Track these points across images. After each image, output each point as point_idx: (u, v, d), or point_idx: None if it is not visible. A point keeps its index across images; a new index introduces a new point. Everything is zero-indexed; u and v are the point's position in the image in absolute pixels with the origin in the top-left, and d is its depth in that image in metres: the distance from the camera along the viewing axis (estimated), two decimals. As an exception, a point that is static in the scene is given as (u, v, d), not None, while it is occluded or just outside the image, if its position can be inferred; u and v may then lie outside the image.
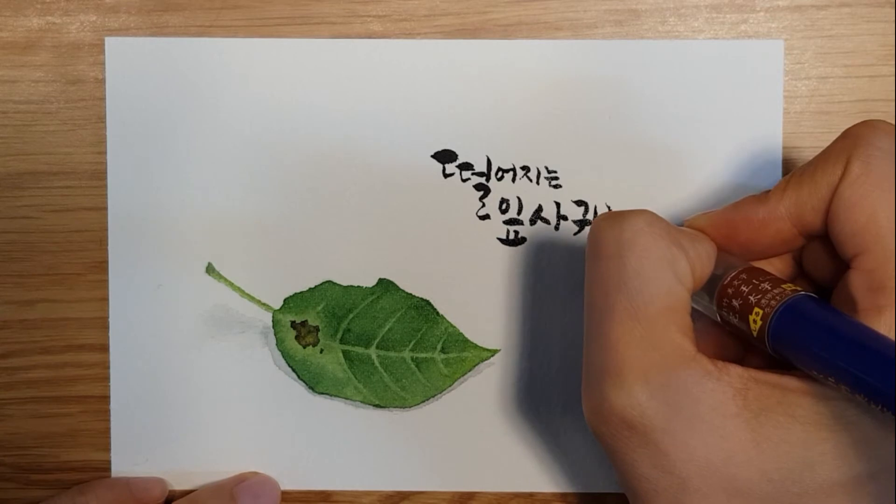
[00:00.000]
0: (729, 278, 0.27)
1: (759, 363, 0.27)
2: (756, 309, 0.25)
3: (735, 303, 0.26)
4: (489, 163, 0.34)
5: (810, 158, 0.30)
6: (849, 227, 0.26)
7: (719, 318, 0.28)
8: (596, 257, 0.26)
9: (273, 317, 0.35)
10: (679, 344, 0.25)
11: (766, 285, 0.26)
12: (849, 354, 0.23)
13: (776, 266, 0.29)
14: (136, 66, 0.34)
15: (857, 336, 0.23)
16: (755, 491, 0.24)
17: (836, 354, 0.23)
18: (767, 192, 0.28)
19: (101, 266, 0.34)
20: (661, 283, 0.25)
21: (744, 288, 0.26)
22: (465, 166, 0.34)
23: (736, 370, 0.25)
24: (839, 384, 0.23)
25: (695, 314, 0.27)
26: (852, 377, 0.23)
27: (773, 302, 0.25)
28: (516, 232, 0.34)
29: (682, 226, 0.30)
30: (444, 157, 0.34)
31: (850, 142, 0.26)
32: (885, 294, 0.24)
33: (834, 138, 0.35)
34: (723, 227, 0.28)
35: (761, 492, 0.24)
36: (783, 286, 0.26)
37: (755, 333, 0.26)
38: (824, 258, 0.28)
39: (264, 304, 0.35)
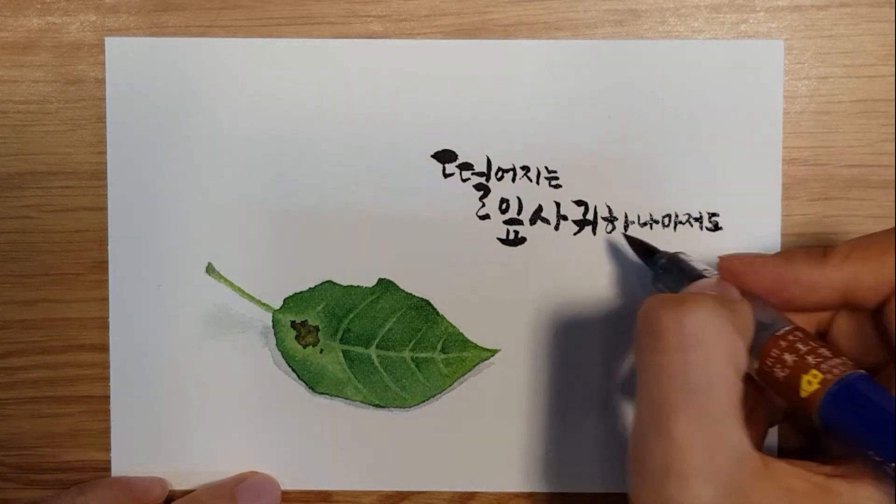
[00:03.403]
0: (784, 331, 0.26)
1: (766, 416, 0.28)
2: (814, 371, 0.25)
3: (788, 357, 0.26)
4: (489, 163, 0.34)
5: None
6: None
7: (755, 368, 0.27)
8: (655, 349, 0.25)
9: (273, 317, 0.35)
10: (739, 442, 0.25)
11: (826, 351, 0.26)
12: None
13: (800, 319, 0.29)
14: (136, 66, 0.34)
15: None
16: None
17: None
18: (823, 251, 0.27)
19: (101, 266, 0.34)
20: (725, 380, 0.25)
21: (801, 346, 0.26)
22: (465, 166, 0.34)
23: (782, 467, 0.25)
24: None
25: None
26: None
27: (835, 370, 0.25)
28: (516, 232, 0.34)
29: (715, 264, 0.29)
30: (444, 157, 0.34)
31: None
32: None
33: (834, 138, 0.35)
34: (769, 281, 0.27)
35: None
36: (843, 357, 0.26)
37: (804, 394, 0.25)
38: (856, 329, 0.27)
39: (264, 304, 0.35)
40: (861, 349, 0.28)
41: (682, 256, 0.31)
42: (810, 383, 0.25)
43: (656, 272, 0.31)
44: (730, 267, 0.28)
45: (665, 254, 0.31)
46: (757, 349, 0.27)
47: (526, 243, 0.34)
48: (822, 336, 0.29)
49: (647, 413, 0.25)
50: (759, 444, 0.29)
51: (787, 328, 0.27)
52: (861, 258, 0.26)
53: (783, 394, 0.26)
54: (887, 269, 0.26)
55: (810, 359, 0.25)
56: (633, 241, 0.33)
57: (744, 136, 0.34)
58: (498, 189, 0.34)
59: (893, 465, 0.23)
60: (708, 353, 0.24)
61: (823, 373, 0.25)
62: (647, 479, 0.25)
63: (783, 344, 0.26)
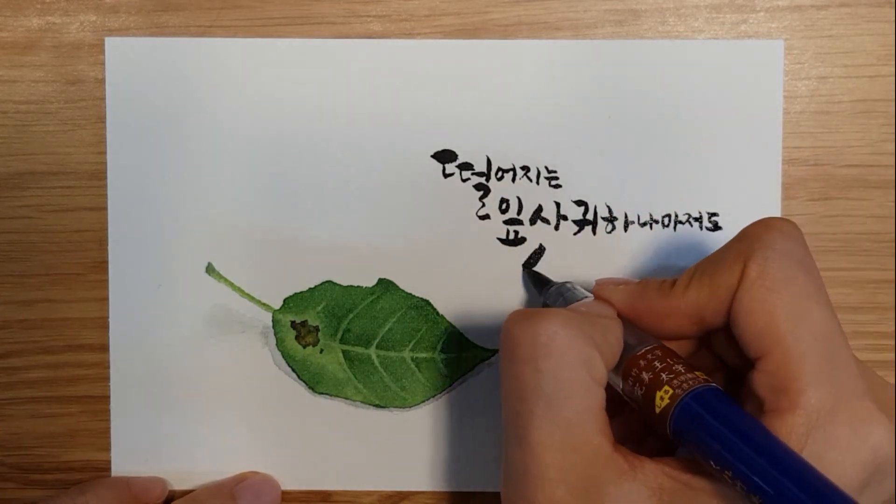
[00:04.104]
0: (643, 350, 0.27)
1: (654, 442, 0.28)
2: (666, 387, 0.26)
3: (645, 375, 0.27)
4: (489, 163, 0.34)
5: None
6: (749, 332, 0.26)
7: (620, 388, 0.28)
8: (511, 359, 0.26)
9: (273, 317, 0.35)
10: (597, 444, 0.25)
11: (680, 367, 0.26)
12: (747, 457, 0.23)
13: (688, 343, 0.30)
14: (136, 66, 0.34)
15: (758, 439, 0.24)
16: None
17: (735, 454, 0.24)
18: (674, 281, 0.28)
19: (101, 266, 0.35)
20: (578, 386, 0.25)
21: (657, 364, 0.27)
22: (465, 166, 0.34)
23: (650, 467, 0.25)
24: (734, 480, 0.24)
25: None
26: (747, 478, 0.23)
27: (685, 385, 0.26)
28: (516, 232, 0.34)
29: (592, 287, 0.30)
30: (444, 157, 0.34)
31: (747, 244, 0.26)
32: (787, 397, 0.25)
33: (834, 138, 0.35)
34: (628, 309, 0.28)
35: None
36: (696, 373, 0.26)
37: (658, 410, 0.26)
38: (730, 345, 0.28)
39: (264, 304, 0.35)
40: (735, 357, 0.28)
41: (567, 285, 0.32)
42: (662, 399, 0.26)
43: (545, 300, 0.32)
44: (597, 292, 0.30)
45: (555, 283, 0.32)
46: (621, 370, 0.28)
47: (526, 243, 0.34)
48: (708, 347, 0.29)
49: (509, 420, 0.26)
50: (650, 450, 0.29)
51: (646, 347, 0.27)
52: (698, 284, 0.27)
53: (644, 412, 0.27)
54: (721, 290, 0.26)
55: (664, 376, 0.26)
56: (530, 273, 0.34)
57: (744, 136, 0.34)
58: (498, 189, 0.34)
59: (729, 473, 0.24)
60: (559, 361, 0.25)
61: (674, 388, 0.26)
62: (510, 482, 0.26)
63: (642, 363, 0.27)
